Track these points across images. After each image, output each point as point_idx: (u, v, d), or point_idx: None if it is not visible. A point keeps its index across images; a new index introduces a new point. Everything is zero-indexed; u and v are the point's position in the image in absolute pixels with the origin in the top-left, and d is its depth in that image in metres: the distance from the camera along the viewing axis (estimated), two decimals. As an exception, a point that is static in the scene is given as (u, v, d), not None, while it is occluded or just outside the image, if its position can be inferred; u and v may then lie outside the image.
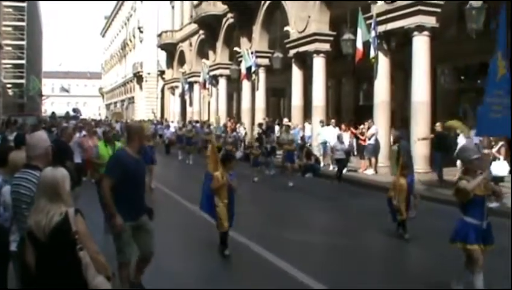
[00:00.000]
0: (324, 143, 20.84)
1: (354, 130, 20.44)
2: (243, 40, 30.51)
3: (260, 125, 24.42)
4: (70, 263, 3.66)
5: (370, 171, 18.34)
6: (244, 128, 28.32)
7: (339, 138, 17.46)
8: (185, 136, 26.22)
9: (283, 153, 18.10)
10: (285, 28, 25.34)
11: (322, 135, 21.07)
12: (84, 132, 16.43)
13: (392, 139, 14.72)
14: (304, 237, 9.60)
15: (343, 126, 21.15)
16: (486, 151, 13.14)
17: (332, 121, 21.22)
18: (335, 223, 11.56)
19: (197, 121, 33.40)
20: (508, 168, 12.40)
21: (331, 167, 19.51)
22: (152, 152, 14.87)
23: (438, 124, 16.19)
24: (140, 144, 5.90)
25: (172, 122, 38.95)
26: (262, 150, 19.38)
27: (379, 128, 18.29)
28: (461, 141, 15.59)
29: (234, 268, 7.86)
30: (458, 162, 13.95)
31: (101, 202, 7.36)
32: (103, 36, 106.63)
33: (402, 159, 10.27)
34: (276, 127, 25.28)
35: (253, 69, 28.24)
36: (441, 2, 16.35)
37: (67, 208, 3.75)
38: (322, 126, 21.43)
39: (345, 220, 11.89)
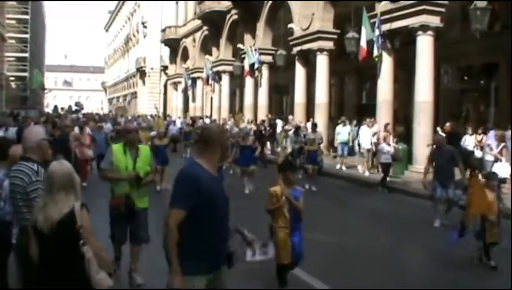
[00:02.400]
0: (344, 143, 19.48)
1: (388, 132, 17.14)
2: (247, 37, 30.50)
3: (262, 122, 24.42)
4: (73, 257, 3.65)
5: (372, 170, 18.34)
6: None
7: (386, 139, 15.57)
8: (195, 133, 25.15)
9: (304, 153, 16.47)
10: (289, 26, 25.34)
11: (342, 134, 19.72)
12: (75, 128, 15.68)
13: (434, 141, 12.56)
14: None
15: (382, 127, 17.54)
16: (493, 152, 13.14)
17: (368, 120, 18.61)
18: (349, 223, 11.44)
19: (200, 117, 33.30)
20: (509, 169, 12.37)
21: (338, 166, 19.29)
22: (165, 152, 14.44)
23: (447, 124, 16.17)
24: (222, 158, 4.05)
25: (179, 117, 38.34)
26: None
27: (362, 127, 18.49)
28: (469, 141, 15.60)
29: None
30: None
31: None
32: (107, 31, 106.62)
33: (475, 172, 9.65)
34: (279, 122, 25.17)
35: (256, 65, 28.21)
36: (446, 2, 16.33)
37: (76, 202, 3.75)
38: (344, 125, 19.99)
39: (352, 218, 11.85)
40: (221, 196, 3.93)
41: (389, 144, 15.39)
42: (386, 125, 16.96)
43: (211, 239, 3.79)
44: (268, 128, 23.42)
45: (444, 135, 15.77)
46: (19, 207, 4.47)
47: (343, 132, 19.76)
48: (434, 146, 11.45)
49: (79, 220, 3.68)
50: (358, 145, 19.03)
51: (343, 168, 19.17)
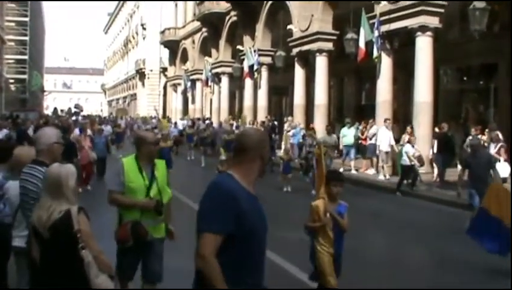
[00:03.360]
0: (350, 146, 18.92)
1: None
2: (246, 38, 30.50)
3: (263, 123, 24.41)
4: (71, 261, 3.63)
5: (371, 171, 18.34)
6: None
7: (410, 142, 14.93)
8: (199, 136, 24.95)
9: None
10: (288, 27, 25.35)
11: (348, 137, 19.17)
12: (76, 130, 15.55)
13: (468, 144, 12.31)
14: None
15: (408, 129, 16.71)
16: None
17: (388, 121, 17.42)
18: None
19: (199, 119, 33.31)
20: (509, 169, 12.37)
21: (341, 169, 18.72)
22: (170, 154, 14.19)
23: (443, 124, 16.18)
24: (262, 171, 3.11)
25: (181, 119, 38.26)
26: None
27: (381, 128, 18.29)
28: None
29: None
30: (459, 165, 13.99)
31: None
32: (106, 33, 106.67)
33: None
34: (289, 118, 24.89)
35: (255, 67, 28.21)
36: (445, 3, 16.34)
37: (70, 206, 3.71)
38: (349, 127, 19.62)
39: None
40: (262, 222, 3.04)
41: (413, 146, 14.75)
42: (411, 127, 16.46)
43: (249, 269, 2.96)
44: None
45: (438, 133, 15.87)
46: (30, 211, 4.30)
47: (348, 134, 19.27)
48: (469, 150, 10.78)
49: (76, 224, 3.65)
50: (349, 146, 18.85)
51: (353, 171, 18.52)
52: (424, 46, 16.58)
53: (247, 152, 3.04)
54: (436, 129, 16.50)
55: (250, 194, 2.98)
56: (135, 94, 69.42)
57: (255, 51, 28.24)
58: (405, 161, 14.59)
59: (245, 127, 17.20)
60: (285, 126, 23.49)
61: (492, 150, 12.81)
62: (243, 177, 3.00)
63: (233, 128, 24.59)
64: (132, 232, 4.88)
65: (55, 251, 3.67)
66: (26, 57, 75.63)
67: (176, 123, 32.77)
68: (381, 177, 17.08)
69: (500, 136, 13.63)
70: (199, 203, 2.95)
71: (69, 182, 3.78)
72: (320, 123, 22.08)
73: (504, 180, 12.39)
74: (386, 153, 17.18)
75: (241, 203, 2.85)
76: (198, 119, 32.97)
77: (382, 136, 17.34)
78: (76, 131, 15.36)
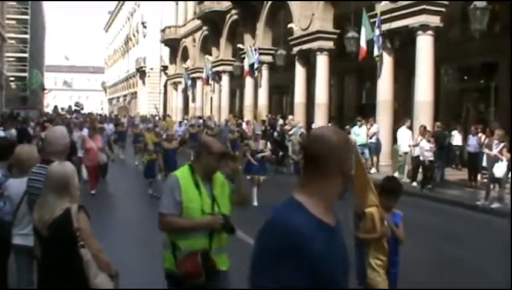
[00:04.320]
0: (362, 145, 17.82)
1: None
2: (247, 37, 30.49)
3: (263, 122, 24.36)
4: (71, 259, 3.62)
5: (372, 170, 18.33)
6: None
7: (425, 136, 14.71)
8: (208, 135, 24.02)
9: None
10: (289, 25, 25.34)
11: (361, 136, 18.18)
12: (85, 130, 15.00)
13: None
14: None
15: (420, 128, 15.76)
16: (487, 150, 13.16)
17: (408, 121, 17.00)
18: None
19: (200, 117, 33.22)
20: (509, 169, 12.38)
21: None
22: (175, 156, 12.88)
23: (438, 123, 16.19)
24: (344, 190, 2.18)
25: (185, 119, 37.57)
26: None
27: (381, 127, 18.30)
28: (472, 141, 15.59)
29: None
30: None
31: None
32: (106, 31, 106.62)
33: None
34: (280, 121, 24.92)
35: (256, 65, 28.19)
36: (446, 2, 16.34)
37: (71, 204, 3.70)
38: (360, 126, 18.74)
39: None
40: (342, 264, 2.18)
41: (429, 140, 14.52)
42: (425, 127, 15.59)
43: None
44: (268, 128, 23.08)
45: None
46: None
47: (361, 133, 18.34)
48: None
49: (76, 222, 3.63)
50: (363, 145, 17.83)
51: (374, 170, 17.91)
52: (424, 46, 16.58)
53: (323, 163, 2.11)
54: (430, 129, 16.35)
55: (327, 226, 2.09)
56: (136, 92, 69.40)
57: (255, 50, 28.21)
58: (426, 155, 14.43)
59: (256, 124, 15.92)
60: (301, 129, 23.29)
61: (495, 149, 12.79)
62: (316, 201, 2.10)
63: (244, 125, 24.34)
64: (204, 265, 3.82)
65: (55, 249, 3.66)
66: (26, 55, 75.71)
67: (180, 122, 31.90)
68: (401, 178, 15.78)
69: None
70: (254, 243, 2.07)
71: (75, 179, 3.80)
72: (320, 122, 22.04)
73: (504, 179, 12.44)
74: (405, 153, 16.67)
75: (311, 250, 1.97)
76: (200, 117, 32.91)
77: (402, 136, 16.83)
78: (85, 131, 15.03)
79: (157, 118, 38.11)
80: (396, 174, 16.08)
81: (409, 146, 16.23)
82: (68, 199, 3.72)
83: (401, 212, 4.94)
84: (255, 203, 11.81)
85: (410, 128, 16.78)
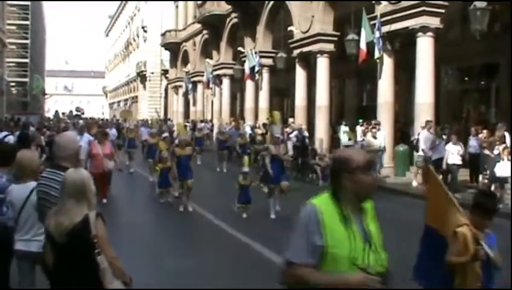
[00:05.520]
0: (380, 151, 17.17)
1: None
2: (247, 40, 30.50)
3: (264, 126, 24.32)
4: (87, 267, 3.62)
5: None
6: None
7: (452, 138, 14.44)
8: (218, 139, 22.03)
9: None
10: (289, 28, 25.33)
11: (379, 139, 17.27)
12: (89, 136, 13.67)
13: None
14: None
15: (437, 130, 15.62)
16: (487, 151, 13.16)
17: (430, 124, 16.05)
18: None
19: (202, 120, 33.19)
20: (509, 168, 12.37)
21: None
22: (189, 164, 12.01)
23: (430, 123, 16.09)
24: None
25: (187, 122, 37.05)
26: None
27: (382, 128, 18.25)
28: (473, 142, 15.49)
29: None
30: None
31: None
32: (107, 35, 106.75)
33: None
34: (291, 120, 24.62)
35: (256, 69, 28.20)
36: (446, 3, 16.34)
37: (89, 211, 3.70)
38: (378, 130, 17.52)
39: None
40: None
41: (455, 144, 13.96)
42: (441, 128, 15.60)
43: None
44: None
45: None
46: None
47: (379, 137, 17.33)
48: None
49: (94, 229, 3.64)
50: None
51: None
52: (425, 47, 16.58)
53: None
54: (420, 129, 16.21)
55: None
56: (136, 97, 69.41)
57: (256, 53, 28.23)
58: (453, 158, 14.06)
59: (273, 127, 14.67)
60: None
61: (496, 150, 12.78)
62: None
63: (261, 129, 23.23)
64: None
65: (71, 256, 3.66)
66: (27, 60, 75.76)
67: (185, 126, 30.15)
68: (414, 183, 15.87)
69: (508, 137, 13.53)
70: None
71: (91, 185, 3.82)
72: (321, 124, 22.04)
73: (506, 180, 12.44)
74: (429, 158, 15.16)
75: None
76: (202, 121, 32.91)
77: (424, 140, 15.81)
78: (86, 136, 14.61)
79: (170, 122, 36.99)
80: (414, 182, 15.86)
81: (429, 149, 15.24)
82: (86, 205, 3.72)
83: (494, 233, 4.31)
84: (273, 216, 11.12)
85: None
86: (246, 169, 11.42)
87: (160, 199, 13.02)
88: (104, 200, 12.07)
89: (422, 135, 15.92)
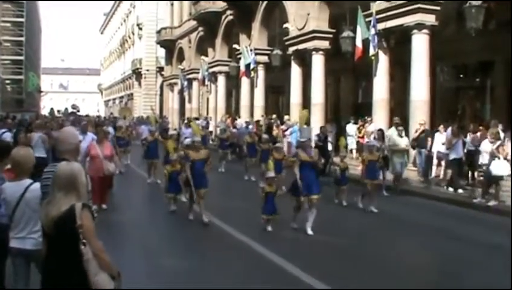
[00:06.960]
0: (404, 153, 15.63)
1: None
2: (242, 37, 30.48)
3: (257, 122, 24.28)
4: (73, 257, 3.63)
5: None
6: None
7: (455, 133, 14.24)
8: (218, 137, 21.45)
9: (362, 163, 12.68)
10: (285, 26, 25.32)
11: (405, 141, 15.51)
12: (92, 134, 12.48)
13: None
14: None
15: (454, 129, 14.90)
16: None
17: (442, 126, 16.05)
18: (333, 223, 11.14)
19: (196, 118, 32.99)
20: (508, 167, 12.36)
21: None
22: (202, 170, 10.40)
23: (422, 120, 16.08)
24: None
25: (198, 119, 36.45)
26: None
27: (378, 126, 18.26)
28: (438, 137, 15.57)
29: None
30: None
31: None
32: (102, 33, 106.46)
33: None
34: (286, 117, 24.53)
35: (252, 66, 28.20)
36: (441, 1, 16.36)
37: (77, 202, 3.73)
38: (397, 128, 15.93)
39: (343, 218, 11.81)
40: None
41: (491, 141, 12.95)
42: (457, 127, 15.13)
43: None
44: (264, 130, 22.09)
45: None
46: None
47: (405, 135, 15.67)
48: None
49: (78, 219, 3.66)
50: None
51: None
52: (420, 44, 16.59)
53: None
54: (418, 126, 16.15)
55: None
56: (132, 94, 69.26)
57: (251, 50, 28.22)
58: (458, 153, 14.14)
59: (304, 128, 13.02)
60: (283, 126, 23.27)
61: (492, 147, 12.76)
62: None
63: (284, 127, 22.11)
64: None
65: (58, 246, 3.71)
66: (22, 58, 75.52)
67: (207, 122, 28.61)
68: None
69: (501, 134, 13.58)
70: None
71: (82, 178, 3.89)
72: (317, 122, 22.02)
73: (501, 178, 12.44)
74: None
75: None
76: (197, 118, 32.74)
77: (438, 140, 15.72)
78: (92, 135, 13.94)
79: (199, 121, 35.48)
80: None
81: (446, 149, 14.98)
82: (75, 196, 3.77)
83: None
84: (310, 232, 9.35)
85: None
86: (271, 174, 9.91)
87: (169, 206, 11.46)
88: (104, 206, 11.09)
89: (437, 137, 15.77)
